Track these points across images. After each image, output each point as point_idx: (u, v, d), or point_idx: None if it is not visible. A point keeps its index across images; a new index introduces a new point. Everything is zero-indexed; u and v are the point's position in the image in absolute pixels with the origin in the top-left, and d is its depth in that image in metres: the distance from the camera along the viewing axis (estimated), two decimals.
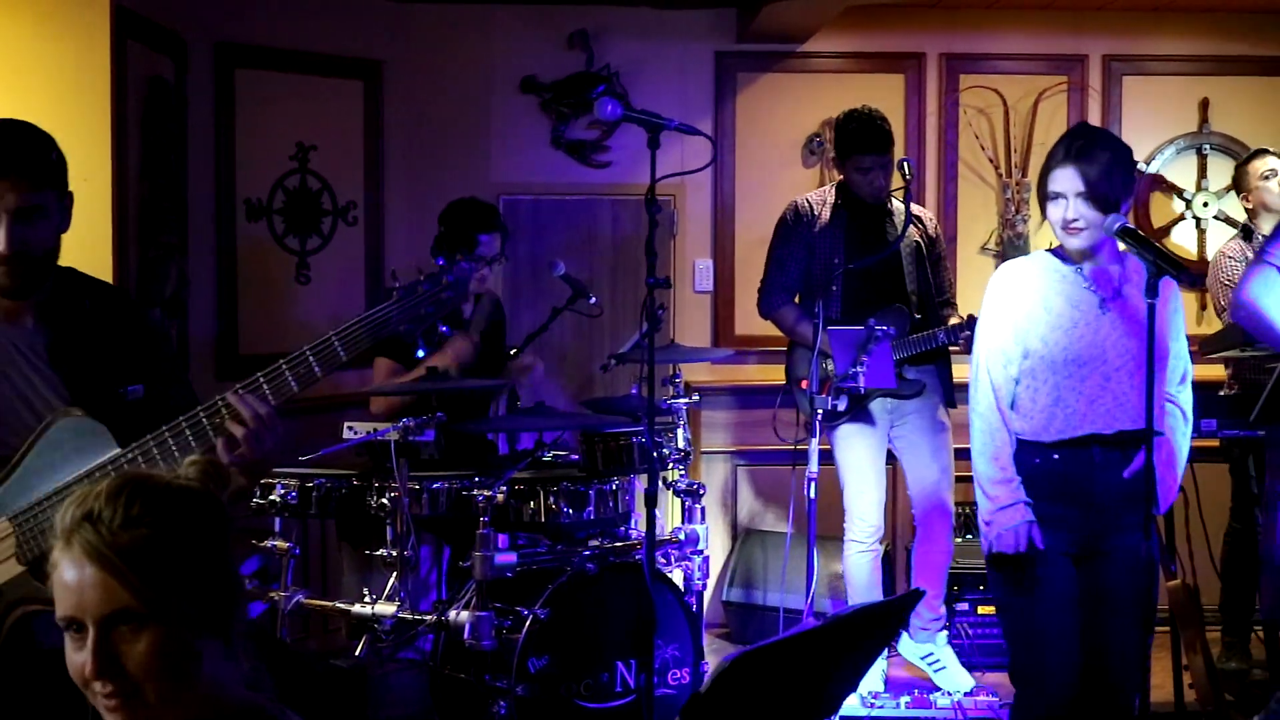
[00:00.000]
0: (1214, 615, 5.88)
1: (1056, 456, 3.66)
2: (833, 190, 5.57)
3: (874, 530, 5.53)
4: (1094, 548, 3.69)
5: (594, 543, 4.69)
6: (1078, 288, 3.69)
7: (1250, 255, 5.62)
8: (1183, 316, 3.77)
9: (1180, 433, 3.74)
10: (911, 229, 5.48)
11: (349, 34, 6.25)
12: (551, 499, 4.63)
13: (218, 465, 2.10)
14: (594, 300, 5.42)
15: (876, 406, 5.48)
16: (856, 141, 5.38)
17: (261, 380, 2.78)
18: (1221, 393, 5.65)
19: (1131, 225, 3.58)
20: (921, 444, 5.52)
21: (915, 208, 5.57)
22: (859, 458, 5.53)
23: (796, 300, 5.61)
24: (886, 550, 5.91)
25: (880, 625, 2.82)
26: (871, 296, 5.41)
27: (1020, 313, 3.70)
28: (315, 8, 6.12)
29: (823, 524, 6.27)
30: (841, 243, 5.47)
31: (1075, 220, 3.61)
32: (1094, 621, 3.70)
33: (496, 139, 6.50)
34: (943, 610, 5.69)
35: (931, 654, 5.61)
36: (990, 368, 3.71)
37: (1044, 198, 3.69)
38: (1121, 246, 3.65)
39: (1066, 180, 3.61)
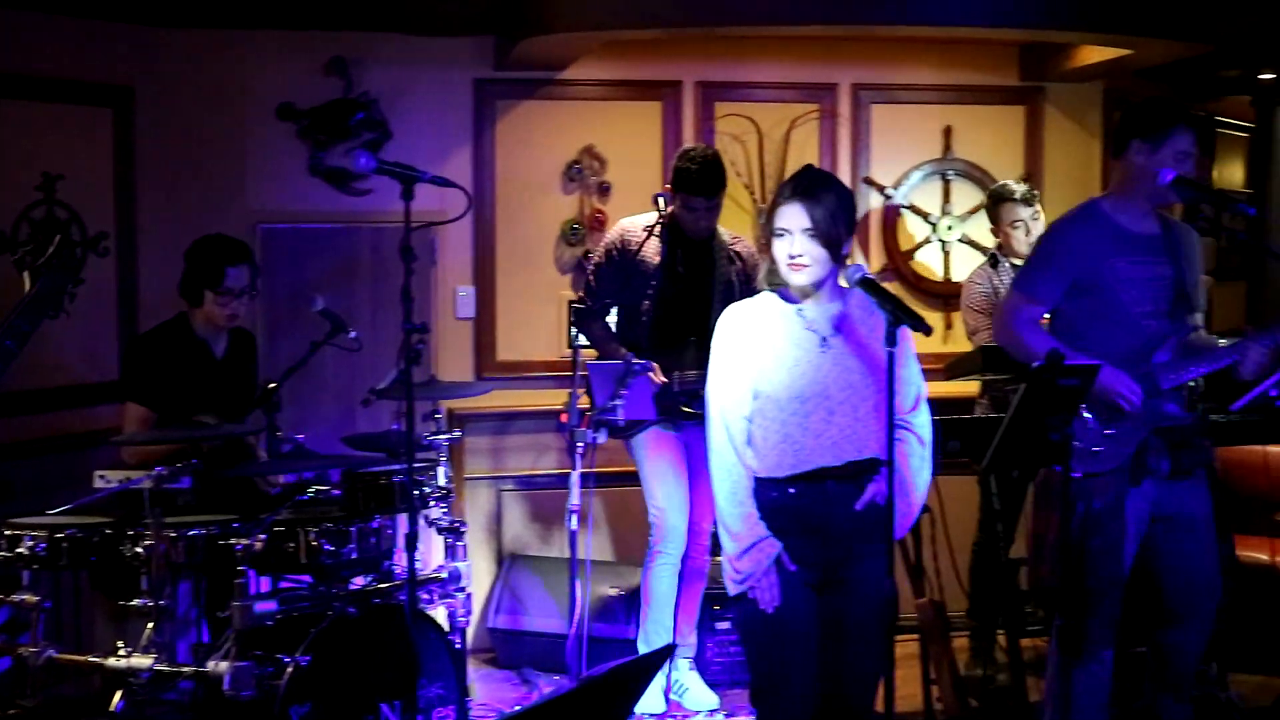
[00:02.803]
0: (964, 622, 6.12)
1: (793, 491, 3.77)
2: (660, 219, 5.61)
3: (678, 544, 5.59)
4: (833, 577, 3.82)
5: (357, 583, 4.67)
6: (799, 327, 3.81)
7: (996, 283, 5.88)
8: (912, 345, 3.88)
9: (917, 457, 3.86)
10: (729, 265, 5.58)
11: (97, 60, 6.08)
12: (313, 538, 4.58)
13: None
14: (353, 335, 5.37)
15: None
16: (690, 183, 5.45)
17: None
18: (977, 410, 5.87)
19: (871, 275, 3.72)
20: (704, 467, 5.61)
21: (740, 244, 5.68)
22: (660, 471, 5.59)
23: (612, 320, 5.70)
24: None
25: (632, 681, 2.89)
26: (679, 329, 5.52)
27: (748, 354, 3.80)
28: (60, 33, 5.93)
29: (600, 546, 6.46)
30: (660, 273, 5.55)
31: (800, 256, 3.73)
32: (833, 648, 3.83)
33: (253, 166, 6.39)
34: (693, 639, 5.80)
35: (677, 680, 5.73)
36: (724, 409, 3.81)
37: (769, 234, 3.80)
38: (851, 286, 3.77)
39: (793, 217, 3.73)
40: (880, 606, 3.70)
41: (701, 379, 5.41)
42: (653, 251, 5.56)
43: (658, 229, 5.56)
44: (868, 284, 3.68)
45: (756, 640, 3.86)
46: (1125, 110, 4.74)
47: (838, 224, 3.74)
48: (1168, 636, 4.66)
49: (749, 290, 5.52)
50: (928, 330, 3.59)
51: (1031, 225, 5.99)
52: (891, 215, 6.98)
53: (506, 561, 6.49)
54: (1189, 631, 4.64)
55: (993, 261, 6.04)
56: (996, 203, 6.11)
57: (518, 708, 4.39)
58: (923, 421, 3.89)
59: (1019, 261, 5.89)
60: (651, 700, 5.56)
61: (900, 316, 3.56)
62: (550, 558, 6.40)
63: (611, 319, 5.73)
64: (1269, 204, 8.11)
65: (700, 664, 5.87)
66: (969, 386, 6.07)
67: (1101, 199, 4.64)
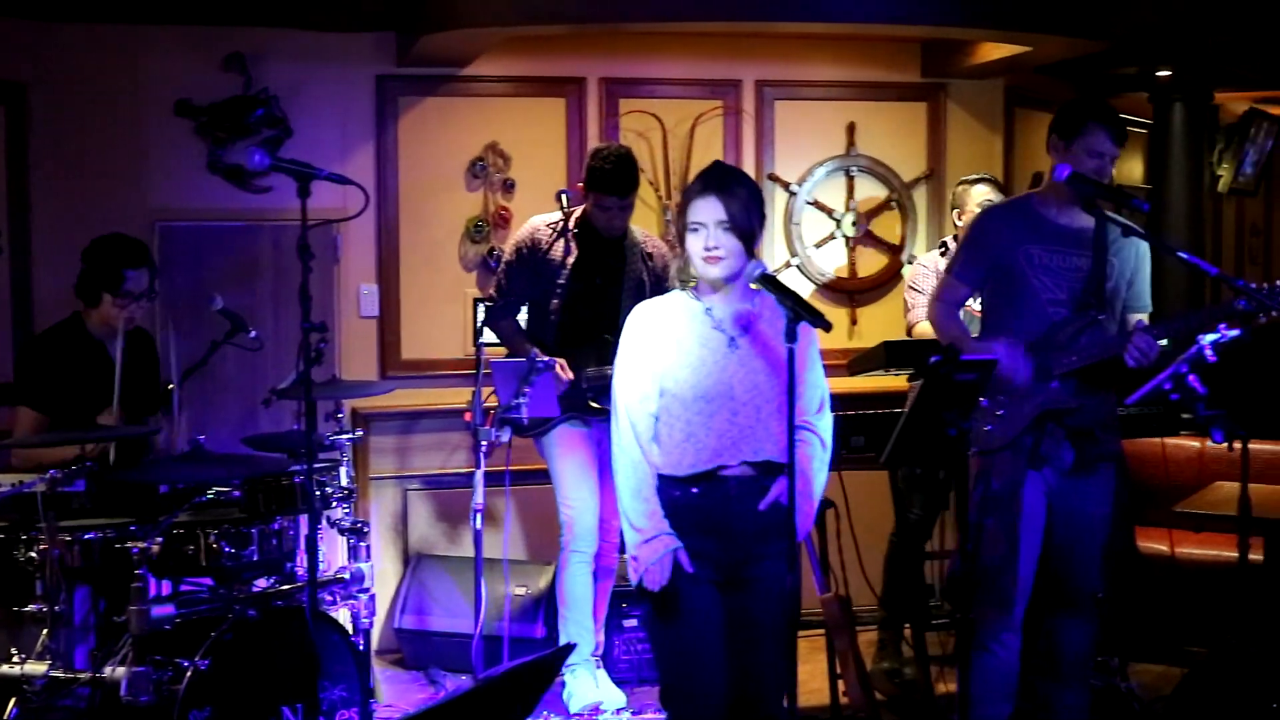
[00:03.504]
0: (873, 616, 6.15)
1: (695, 490, 3.77)
2: (572, 217, 5.58)
3: (591, 542, 5.56)
4: (736, 576, 3.82)
5: (259, 585, 4.63)
6: (707, 326, 3.82)
7: (940, 267, 5.85)
8: (817, 349, 3.91)
9: (818, 460, 3.87)
10: (641, 264, 5.56)
11: None
12: (213, 540, 4.54)
13: None
14: (254, 334, 5.31)
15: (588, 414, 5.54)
16: (603, 182, 5.42)
17: None
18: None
19: (771, 273, 3.73)
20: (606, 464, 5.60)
21: (651, 243, 5.66)
22: (574, 464, 5.56)
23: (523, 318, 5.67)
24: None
25: (533, 680, 2.88)
26: (588, 327, 5.50)
27: (655, 351, 3.80)
28: None
29: (513, 545, 6.42)
30: (569, 271, 5.52)
31: (715, 249, 3.73)
32: (739, 646, 3.83)
33: (151, 164, 6.29)
34: (601, 637, 5.77)
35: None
36: (629, 406, 3.81)
37: (682, 229, 3.80)
38: (754, 287, 3.78)
39: (707, 210, 3.74)
40: (783, 603, 3.71)
41: (611, 376, 5.43)
42: (563, 250, 5.54)
43: (571, 227, 5.54)
44: (768, 280, 3.68)
45: (665, 640, 3.86)
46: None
47: (751, 217, 3.76)
48: (1053, 623, 4.71)
49: (660, 289, 5.52)
50: (827, 326, 3.60)
51: None
52: (795, 211, 6.99)
53: (413, 561, 6.43)
54: (1070, 620, 4.68)
55: (943, 249, 6.06)
56: (966, 186, 6.10)
57: (417, 709, 4.35)
58: (825, 424, 3.91)
59: None
60: (587, 700, 5.52)
61: (800, 313, 3.56)
62: (458, 557, 6.34)
63: (522, 317, 5.70)
64: (1167, 199, 8.22)
65: (608, 662, 5.84)
66: (873, 382, 6.12)
67: (1034, 193, 4.73)
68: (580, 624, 5.57)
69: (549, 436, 5.53)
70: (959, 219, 6.02)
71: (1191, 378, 3.99)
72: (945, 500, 5.75)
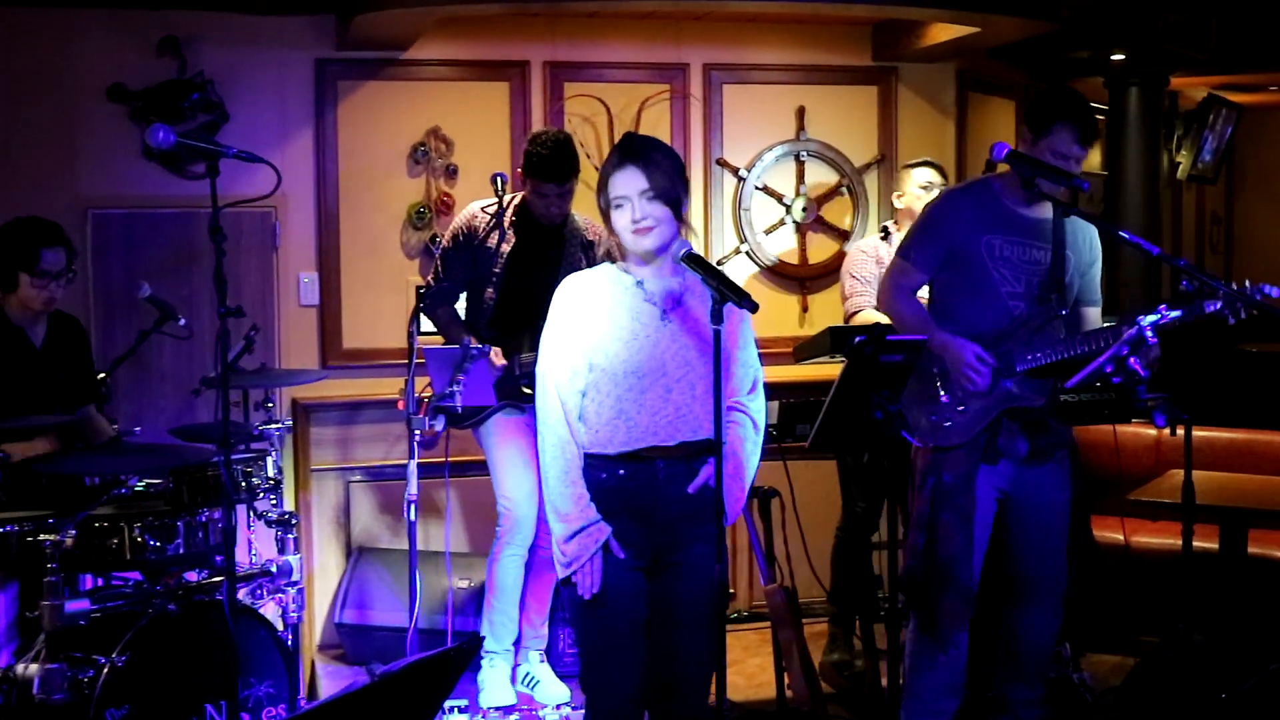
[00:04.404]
0: (823, 608, 6.10)
1: (622, 472, 3.66)
2: (511, 203, 5.46)
3: (531, 532, 5.44)
4: (662, 561, 3.72)
5: (191, 579, 4.53)
6: (638, 299, 3.70)
7: (883, 254, 5.74)
8: (749, 327, 3.81)
9: (750, 442, 3.77)
10: (581, 252, 5.45)
11: None
12: (138, 533, 4.45)
13: None
14: (183, 322, 5.21)
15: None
16: (540, 169, 5.27)
17: None
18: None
19: (696, 252, 3.62)
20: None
21: (592, 229, 5.56)
22: (508, 458, 5.43)
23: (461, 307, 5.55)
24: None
25: (436, 676, 2.76)
26: (526, 315, 5.36)
27: (584, 325, 3.69)
28: None
29: (455, 537, 6.31)
30: (505, 259, 5.40)
31: (644, 219, 3.62)
32: (663, 633, 3.73)
33: (83, 150, 6.15)
34: (544, 631, 5.67)
35: (528, 673, 5.61)
36: (557, 382, 3.69)
37: (607, 208, 3.69)
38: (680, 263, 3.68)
39: (628, 182, 3.63)
40: (710, 591, 3.59)
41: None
42: (499, 237, 5.42)
43: (509, 213, 5.43)
44: (693, 260, 3.57)
45: (584, 624, 3.74)
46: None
47: (675, 182, 3.66)
48: (1015, 618, 4.62)
49: None
50: (754, 307, 3.48)
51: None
52: (745, 197, 6.90)
53: (355, 555, 6.32)
54: (1035, 615, 4.59)
55: (884, 234, 5.95)
56: (907, 168, 5.97)
57: (303, 708, 4.24)
58: (758, 407, 3.80)
59: None
60: (500, 693, 5.43)
61: (725, 294, 3.44)
62: (400, 550, 6.19)
63: (461, 305, 5.58)
64: (1123, 185, 8.17)
65: (552, 656, 5.74)
66: (822, 370, 6.00)
67: (994, 177, 4.58)
68: (505, 613, 5.48)
69: (485, 426, 5.42)
70: (898, 201, 5.93)
71: (1132, 360, 3.88)
72: (889, 490, 5.63)
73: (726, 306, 3.46)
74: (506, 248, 5.39)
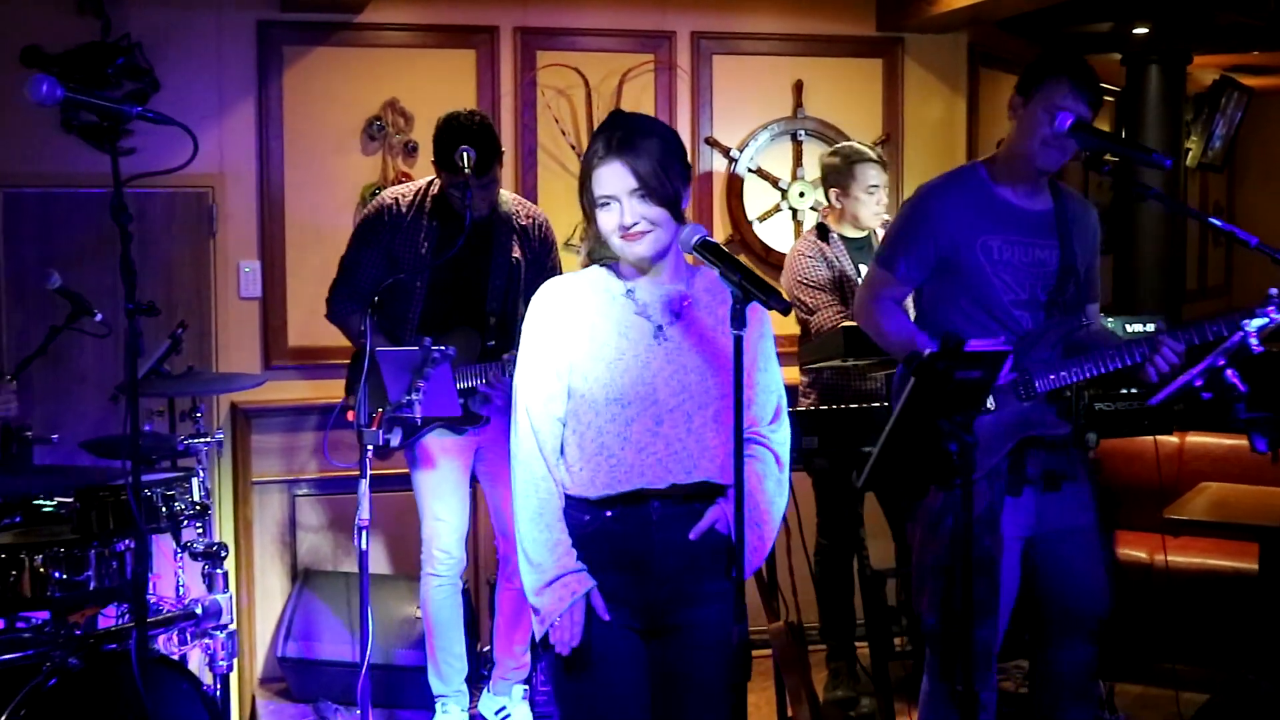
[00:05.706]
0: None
1: (610, 514, 3.05)
2: (428, 190, 4.84)
3: (456, 563, 4.95)
4: (660, 622, 3.11)
5: (109, 618, 3.98)
6: (627, 312, 3.09)
7: (830, 255, 5.21)
8: (771, 343, 3.20)
9: (773, 480, 3.16)
10: (512, 241, 4.82)
11: None
12: (40, 565, 3.88)
13: None
14: (100, 317, 4.57)
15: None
16: (454, 163, 4.60)
17: None
18: (801, 405, 5.22)
19: (714, 239, 2.96)
20: (506, 473, 4.89)
21: (525, 212, 4.91)
22: (437, 481, 4.91)
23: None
24: (466, 586, 5.27)
25: None
26: (450, 316, 4.79)
27: (563, 343, 3.08)
28: None
29: (401, 559, 5.73)
30: (428, 252, 4.76)
31: (635, 225, 3.01)
32: (666, 706, 3.13)
33: None
34: (526, 659, 5.12)
35: (504, 709, 5.08)
36: (530, 409, 3.08)
37: (590, 206, 3.06)
38: (690, 260, 3.06)
39: (614, 179, 3.00)
40: (724, 659, 2.95)
41: (479, 374, 4.70)
42: (416, 228, 4.77)
43: (425, 200, 4.82)
44: (708, 248, 2.92)
45: (572, 698, 3.11)
46: None
47: (670, 175, 3.01)
48: (1057, 656, 4.07)
49: (541, 270, 4.81)
50: (785, 308, 2.84)
51: (884, 195, 5.32)
52: (737, 181, 6.36)
53: (300, 580, 5.69)
54: (1076, 647, 4.06)
55: (822, 233, 5.33)
56: (850, 163, 5.34)
57: None
58: (782, 438, 3.18)
59: (854, 234, 5.32)
60: None
61: (749, 290, 2.79)
62: (349, 573, 5.60)
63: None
64: (1140, 171, 7.63)
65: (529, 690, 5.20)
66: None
67: (981, 163, 3.96)
68: (448, 650, 4.99)
69: (413, 452, 4.89)
70: (836, 200, 5.30)
71: (1230, 372, 3.29)
72: (857, 514, 5.04)
73: (750, 307, 2.81)
74: (427, 240, 4.74)
